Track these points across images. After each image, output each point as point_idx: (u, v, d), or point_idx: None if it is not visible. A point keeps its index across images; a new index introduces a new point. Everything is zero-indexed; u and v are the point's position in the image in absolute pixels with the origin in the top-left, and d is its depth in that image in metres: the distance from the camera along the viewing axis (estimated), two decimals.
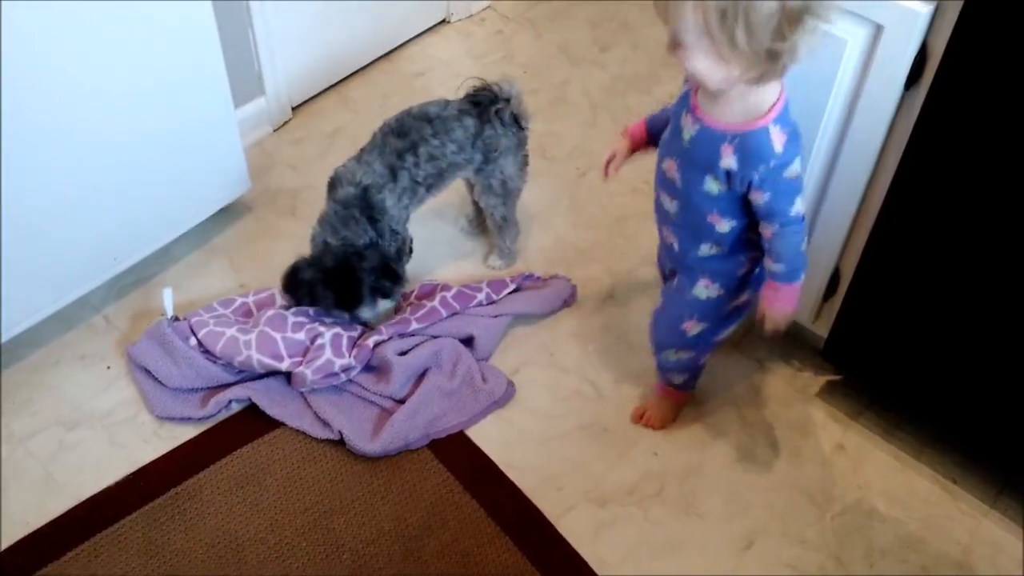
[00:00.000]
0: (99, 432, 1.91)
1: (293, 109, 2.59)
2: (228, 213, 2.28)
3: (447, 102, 2.06)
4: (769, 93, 1.46)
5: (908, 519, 1.82)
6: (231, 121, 2.14)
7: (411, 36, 2.81)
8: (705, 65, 1.39)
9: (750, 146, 1.47)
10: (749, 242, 1.63)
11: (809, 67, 1.63)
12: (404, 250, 2.09)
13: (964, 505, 1.84)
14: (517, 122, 2.07)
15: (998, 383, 1.68)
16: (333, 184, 2.00)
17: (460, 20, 2.89)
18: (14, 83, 1.67)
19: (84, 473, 1.84)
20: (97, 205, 1.94)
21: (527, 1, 2.97)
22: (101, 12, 1.75)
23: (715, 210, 1.58)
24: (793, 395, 2.01)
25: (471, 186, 2.18)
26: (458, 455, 1.88)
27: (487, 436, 1.92)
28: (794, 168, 1.50)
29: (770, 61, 1.37)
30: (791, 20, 1.33)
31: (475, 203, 2.22)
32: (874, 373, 1.90)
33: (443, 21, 2.88)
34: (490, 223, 2.20)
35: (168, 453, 1.87)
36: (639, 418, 1.95)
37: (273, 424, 1.91)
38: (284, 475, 1.85)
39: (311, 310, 2.01)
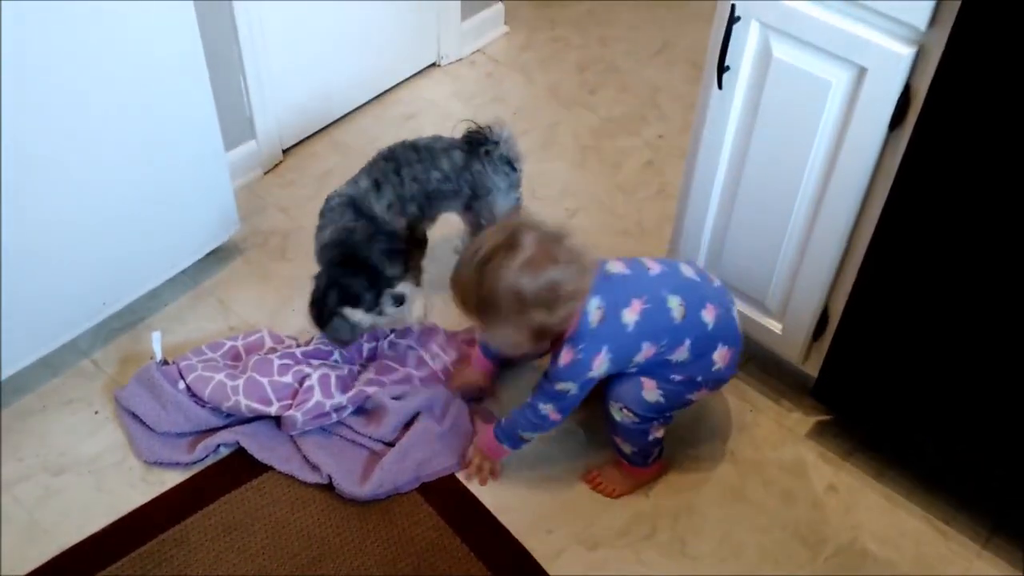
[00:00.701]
0: (85, 478, 1.89)
1: (284, 152, 2.60)
2: (218, 256, 2.28)
3: (440, 137, 2.10)
4: (570, 320, 1.64)
5: (900, 560, 1.81)
6: (222, 164, 2.15)
7: (402, 79, 2.83)
8: (487, 337, 1.86)
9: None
10: (672, 365, 1.73)
11: (794, 108, 1.65)
12: (419, 243, 2.17)
13: (956, 546, 1.83)
14: (510, 163, 2.08)
15: (989, 424, 1.68)
16: (325, 204, 2.06)
17: (450, 63, 2.92)
18: (1, 125, 1.67)
19: (70, 519, 1.82)
20: (86, 248, 1.94)
21: (517, 44, 2.99)
22: (92, 56, 1.76)
23: (613, 376, 1.75)
24: (784, 435, 2.00)
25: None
26: (448, 498, 1.87)
27: None
28: (563, 385, 1.69)
29: (534, 335, 1.62)
30: (526, 305, 1.57)
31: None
32: (864, 413, 1.90)
33: (433, 64, 2.90)
34: None
35: (155, 499, 1.86)
36: (590, 480, 1.91)
37: (262, 468, 1.90)
38: (273, 520, 1.83)
39: (298, 352, 2.01)
